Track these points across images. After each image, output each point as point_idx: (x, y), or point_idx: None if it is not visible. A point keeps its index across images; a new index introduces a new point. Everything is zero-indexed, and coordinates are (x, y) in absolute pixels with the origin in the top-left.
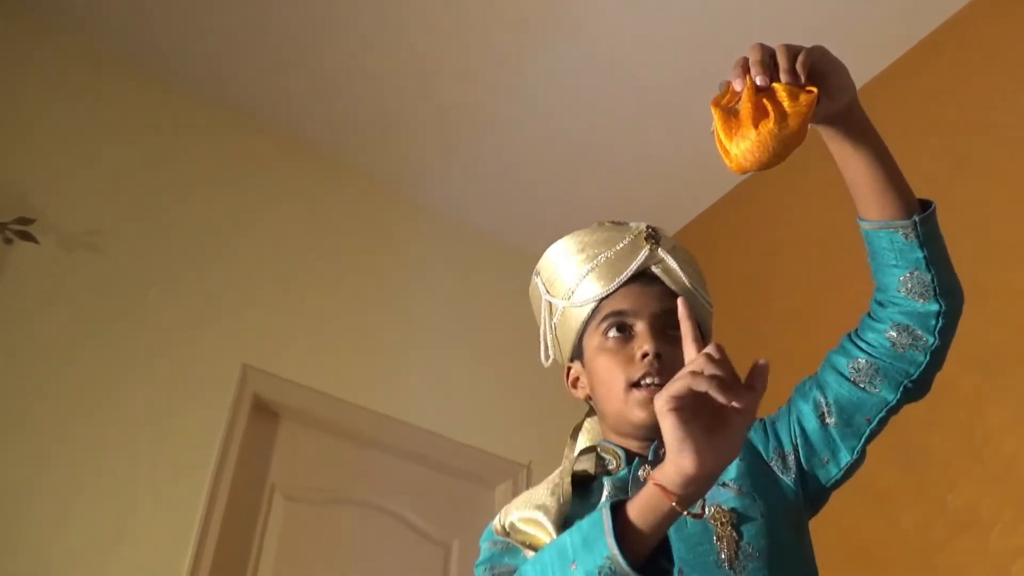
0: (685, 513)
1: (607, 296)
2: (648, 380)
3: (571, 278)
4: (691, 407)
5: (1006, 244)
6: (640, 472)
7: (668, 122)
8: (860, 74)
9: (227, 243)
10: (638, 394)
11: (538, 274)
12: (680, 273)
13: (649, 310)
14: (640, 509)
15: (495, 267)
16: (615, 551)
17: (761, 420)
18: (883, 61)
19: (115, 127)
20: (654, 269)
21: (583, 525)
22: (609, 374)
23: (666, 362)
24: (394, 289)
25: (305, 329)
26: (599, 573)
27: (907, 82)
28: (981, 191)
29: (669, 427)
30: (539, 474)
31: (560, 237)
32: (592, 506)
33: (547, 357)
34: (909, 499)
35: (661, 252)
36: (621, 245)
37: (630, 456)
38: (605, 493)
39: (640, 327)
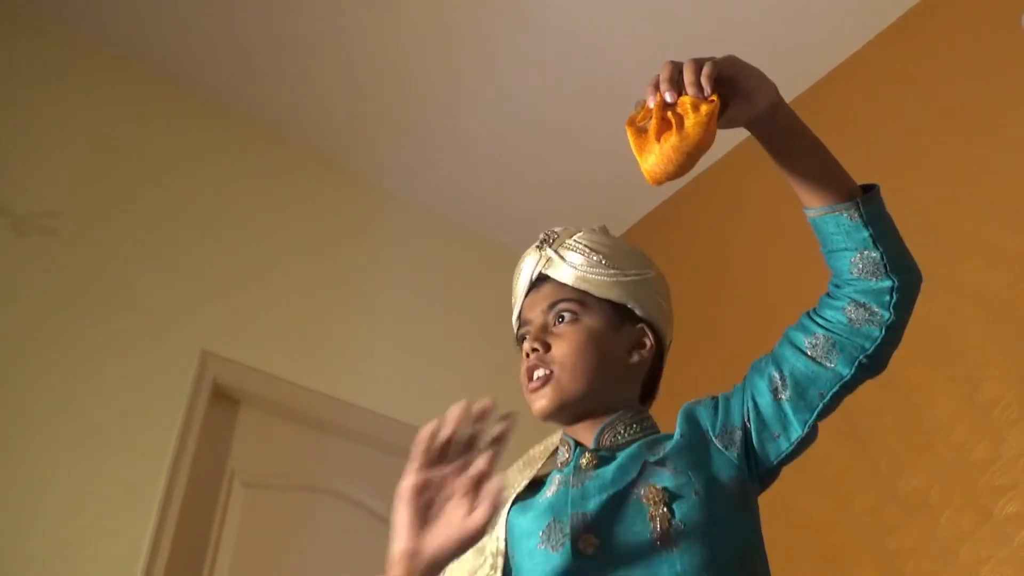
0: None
1: (519, 313)
2: (535, 373)
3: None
4: (428, 496)
5: (957, 235)
6: (582, 460)
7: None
8: (819, 67)
9: (187, 228)
10: (529, 387)
11: None
12: (563, 264)
13: (537, 310)
14: None
15: (458, 254)
16: None
17: (714, 397)
18: (841, 54)
19: (77, 110)
20: (543, 272)
21: None
22: (521, 380)
23: (551, 352)
24: (356, 275)
25: (266, 315)
26: None
27: (864, 75)
28: (932, 182)
29: (397, 512)
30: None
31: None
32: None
33: None
34: (861, 483)
35: (549, 251)
36: (524, 261)
37: (580, 447)
38: (552, 488)
39: (531, 331)
